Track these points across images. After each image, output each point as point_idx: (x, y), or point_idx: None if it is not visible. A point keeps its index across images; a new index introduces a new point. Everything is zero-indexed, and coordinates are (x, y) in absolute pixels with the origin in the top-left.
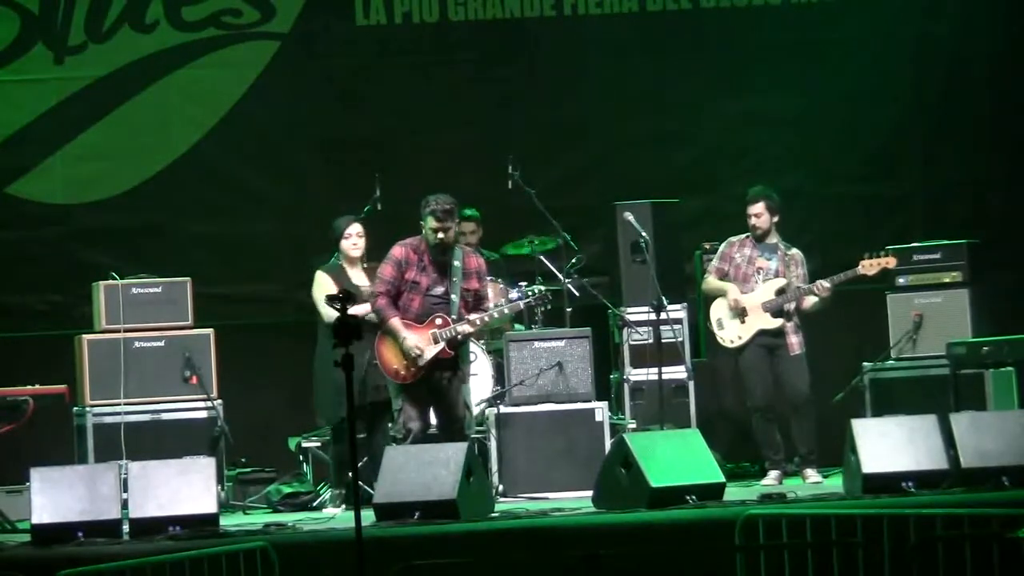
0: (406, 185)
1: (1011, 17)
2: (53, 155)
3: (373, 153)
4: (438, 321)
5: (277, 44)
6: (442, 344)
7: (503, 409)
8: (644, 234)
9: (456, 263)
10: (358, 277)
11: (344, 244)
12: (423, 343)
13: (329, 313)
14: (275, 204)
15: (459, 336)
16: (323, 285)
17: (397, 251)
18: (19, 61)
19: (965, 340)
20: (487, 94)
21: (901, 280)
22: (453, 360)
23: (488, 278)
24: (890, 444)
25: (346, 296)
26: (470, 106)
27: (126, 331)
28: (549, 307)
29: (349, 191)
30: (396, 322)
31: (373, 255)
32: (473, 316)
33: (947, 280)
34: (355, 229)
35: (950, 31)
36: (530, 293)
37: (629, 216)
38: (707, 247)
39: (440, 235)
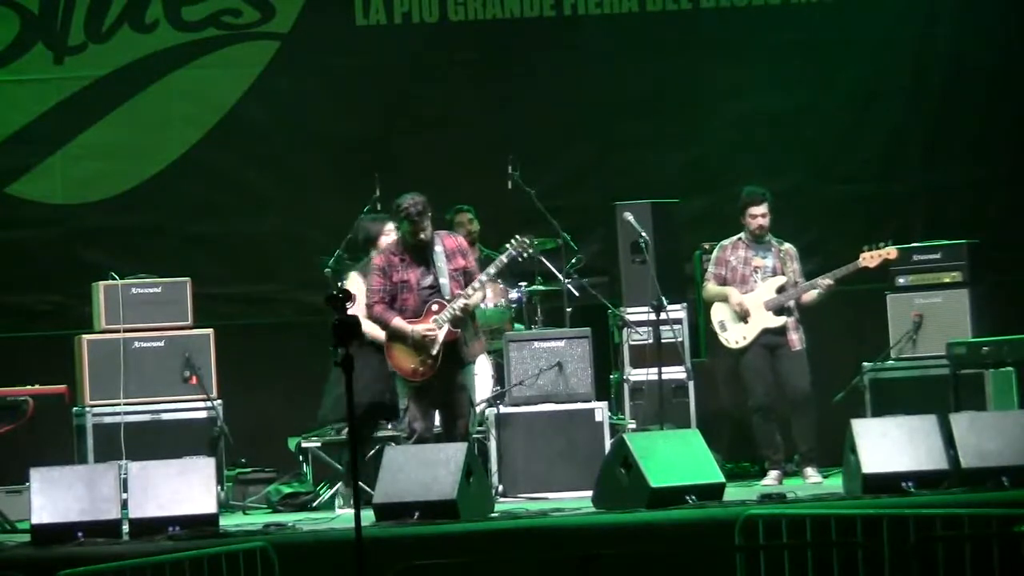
0: (406, 185)
1: (1011, 17)
2: (53, 155)
3: (373, 153)
4: (434, 307)
5: (277, 44)
6: (446, 327)
7: (503, 409)
8: (644, 234)
9: (437, 249)
10: None
11: (384, 242)
12: (432, 328)
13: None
14: (275, 204)
15: (459, 312)
16: (359, 286)
17: (377, 260)
18: (19, 61)
19: (965, 340)
20: (487, 94)
21: (901, 280)
22: (459, 354)
23: (472, 254)
24: (890, 444)
25: (345, 296)
26: (470, 106)
27: (126, 331)
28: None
29: (349, 191)
30: (399, 322)
31: None
32: (466, 289)
33: (947, 280)
34: (391, 227)
35: (950, 31)
36: (508, 245)
37: (629, 216)
38: (707, 247)
39: (421, 235)
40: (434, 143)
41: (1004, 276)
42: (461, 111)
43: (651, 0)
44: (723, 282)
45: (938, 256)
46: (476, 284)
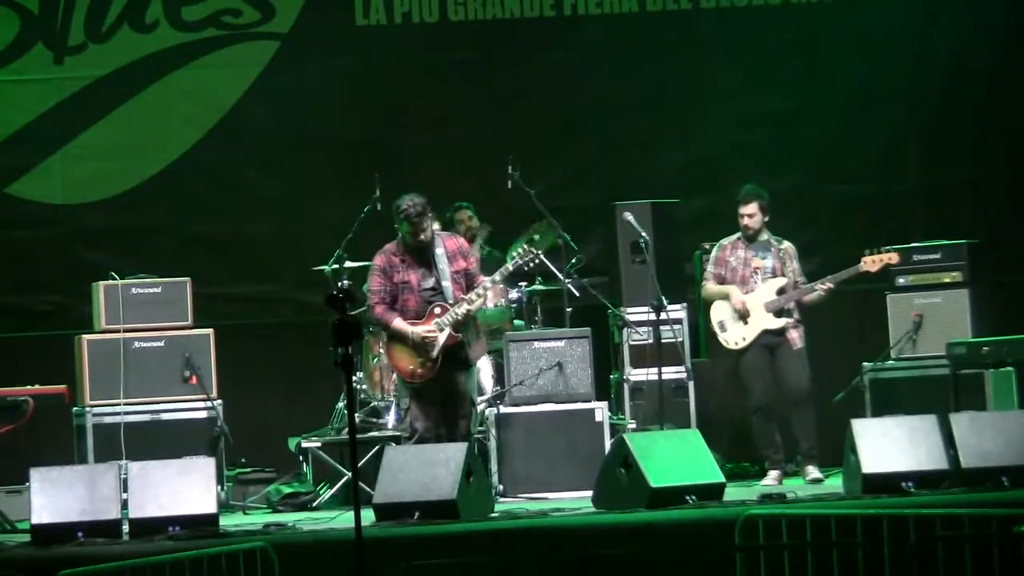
0: (406, 185)
1: (1011, 17)
2: (53, 155)
3: (373, 153)
4: (436, 311)
5: (277, 44)
6: (447, 330)
7: (503, 409)
8: (644, 234)
9: (438, 251)
10: None
11: None
12: (433, 330)
13: None
14: (275, 204)
15: (460, 317)
16: None
17: (378, 260)
18: (19, 61)
19: (965, 340)
20: (487, 94)
21: (901, 280)
22: (462, 356)
23: (473, 255)
24: (890, 444)
25: (346, 296)
26: (470, 106)
27: (126, 331)
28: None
29: (349, 191)
30: (399, 322)
31: (374, 255)
32: (469, 294)
33: (947, 280)
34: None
35: (950, 31)
36: (514, 254)
37: (629, 216)
38: (707, 247)
39: (420, 236)
40: (434, 143)
41: (1004, 276)
42: (461, 111)
43: (651, 0)
44: (722, 282)
45: (938, 256)
46: (480, 290)
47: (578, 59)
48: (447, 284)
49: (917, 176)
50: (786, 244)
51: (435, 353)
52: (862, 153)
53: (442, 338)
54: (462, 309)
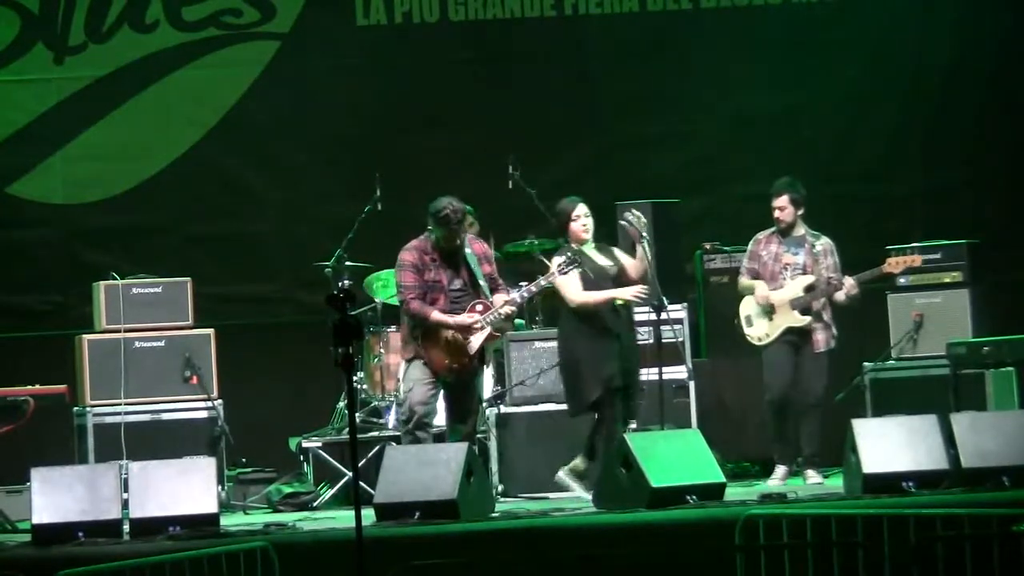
0: (406, 185)
1: (1010, 17)
2: (53, 155)
3: (373, 153)
4: (479, 308)
5: (277, 44)
6: (488, 329)
7: (503, 409)
8: (644, 234)
9: (468, 250)
10: (595, 257)
11: (574, 226)
12: (475, 320)
13: (574, 296)
14: (275, 204)
15: (503, 319)
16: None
17: (408, 257)
18: (19, 61)
19: (965, 340)
20: (487, 94)
21: (901, 280)
22: (482, 354)
23: (494, 261)
24: (890, 444)
25: (346, 296)
26: (470, 106)
27: (126, 331)
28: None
29: (349, 191)
30: (438, 315)
31: (374, 255)
32: (514, 295)
33: (947, 280)
34: (583, 210)
35: (950, 31)
36: (562, 262)
37: (630, 216)
38: (707, 247)
39: (456, 242)
40: (434, 143)
41: (1004, 276)
42: (461, 111)
43: (651, 0)
44: (755, 276)
45: (938, 256)
46: (525, 293)
47: (578, 59)
48: (484, 284)
49: (917, 176)
50: (823, 240)
51: (474, 350)
52: (862, 153)
53: (483, 336)
54: (506, 310)
